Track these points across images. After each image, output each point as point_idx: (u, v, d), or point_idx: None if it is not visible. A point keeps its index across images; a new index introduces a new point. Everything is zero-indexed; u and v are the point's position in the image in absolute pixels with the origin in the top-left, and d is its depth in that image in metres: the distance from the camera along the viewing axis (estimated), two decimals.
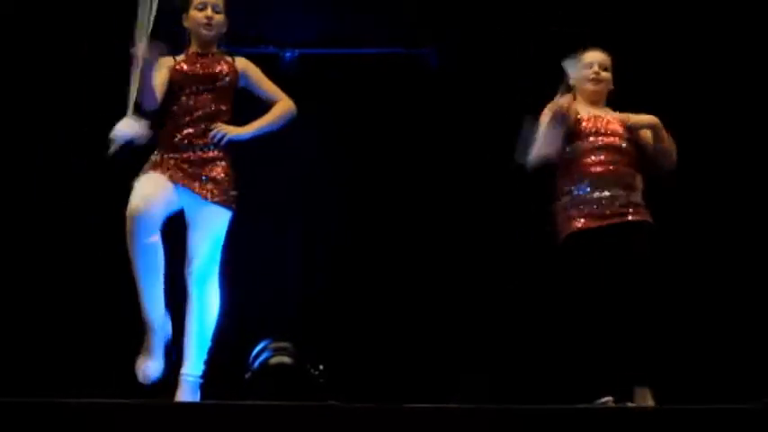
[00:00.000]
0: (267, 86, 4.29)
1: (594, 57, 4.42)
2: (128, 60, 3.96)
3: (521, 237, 5.80)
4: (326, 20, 6.13)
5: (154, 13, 3.94)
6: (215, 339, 4.37)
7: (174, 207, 4.08)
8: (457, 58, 6.12)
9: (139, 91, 3.91)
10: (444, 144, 6.14)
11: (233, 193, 4.17)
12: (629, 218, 4.21)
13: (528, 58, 5.92)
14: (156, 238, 3.95)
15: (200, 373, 4.22)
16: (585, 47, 4.49)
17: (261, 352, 4.66)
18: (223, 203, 4.13)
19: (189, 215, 4.15)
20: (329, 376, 4.56)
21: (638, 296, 4.08)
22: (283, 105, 4.25)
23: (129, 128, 3.92)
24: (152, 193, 3.93)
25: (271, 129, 4.24)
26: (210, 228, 4.11)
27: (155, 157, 4.11)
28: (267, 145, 4.52)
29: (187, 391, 4.19)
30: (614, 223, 4.18)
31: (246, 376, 4.67)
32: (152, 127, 4.07)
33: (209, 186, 4.07)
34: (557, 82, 4.38)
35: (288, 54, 6.18)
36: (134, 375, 4.31)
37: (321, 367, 4.56)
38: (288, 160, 6.13)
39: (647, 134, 4.40)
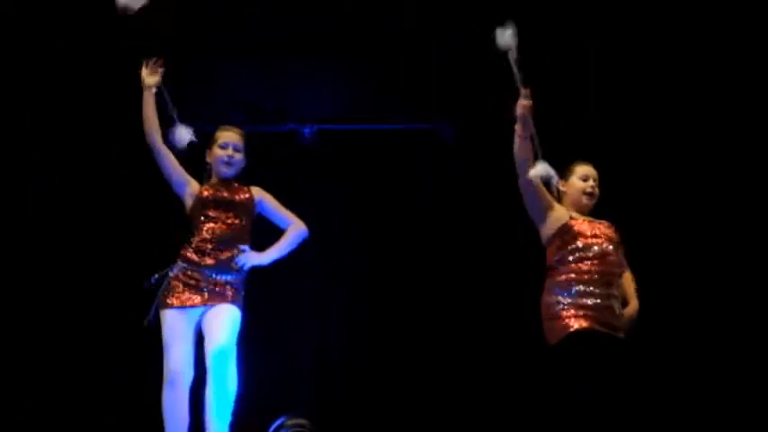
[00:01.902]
0: (281, 212, 4.67)
1: (589, 171, 4.51)
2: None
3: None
4: (343, 95, 6.22)
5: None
6: (234, 415, 4.43)
7: (196, 329, 4.43)
8: (472, 133, 6.17)
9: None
10: (459, 217, 6.17)
11: (240, 296, 4.51)
12: (620, 334, 4.23)
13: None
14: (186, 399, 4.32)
15: None
16: (577, 159, 4.57)
17: (278, 429, 4.65)
18: (234, 303, 4.48)
19: (207, 314, 4.46)
20: None
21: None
22: (297, 229, 4.63)
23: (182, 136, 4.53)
24: (181, 351, 4.33)
25: (288, 252, 4.63)
26: (225, 316, 4.41)
27: (174, 275, 4.44)
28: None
29: None
30: (608, 333, 4.19)
31: None
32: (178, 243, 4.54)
33: (216, 298, 4.43)
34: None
35: (307, 130, 6.27)
36: None
37: None
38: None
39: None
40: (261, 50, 5.97)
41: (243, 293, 4.53)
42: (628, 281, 4.47)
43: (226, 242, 4.48)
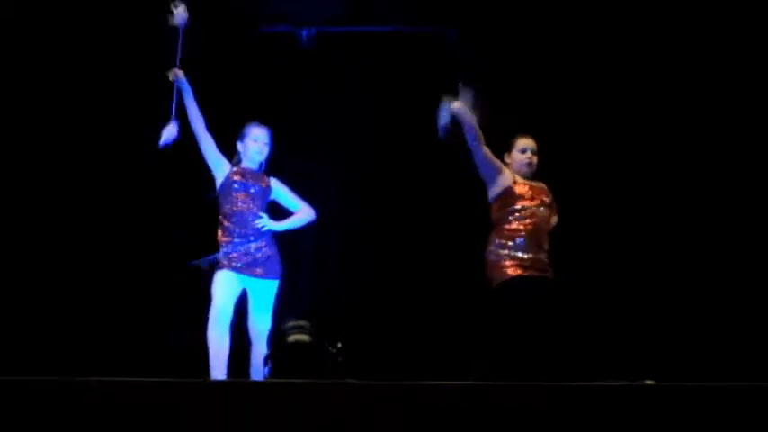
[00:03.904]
0: (292, 199, 5.48)
1: (527, 143, 5.17)
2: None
3: None
4: None
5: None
6: None
7: (239, 291, 5.29)
8: (476, 37, 6.12)
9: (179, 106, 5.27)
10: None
11: (277, 265, 5.35)
12: (543, 275, 5.02)
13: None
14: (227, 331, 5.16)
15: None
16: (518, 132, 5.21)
17: (280, 330, 4.70)
18: (272, 277, 5.33)
19: (249, 290, 5.32)
20: (347, 354, 4.59)
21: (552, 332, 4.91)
22: (306, 211, 5.48)
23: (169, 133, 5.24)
24: (224, 293, 5.20)
25: (296, 227, 5.48)
26: (266, 299, 5.30)
27: (222, 251, 5.30)
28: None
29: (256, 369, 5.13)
30: (538, 277, 5.00)
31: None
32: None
33: (260, 269, 5.29)
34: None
35: (305, 32, 6.19)
36: None
37: (339, 345, 4.59)
38: (303, 143, 6.18)
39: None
40: None
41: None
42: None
43: (246, 219, 5.31)
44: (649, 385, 4.22)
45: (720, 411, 3.82)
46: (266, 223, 5.30)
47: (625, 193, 6.23)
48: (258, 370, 5.01)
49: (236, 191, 5.31)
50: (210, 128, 5.28)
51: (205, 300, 5.17)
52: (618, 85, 6.25)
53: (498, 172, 5.07)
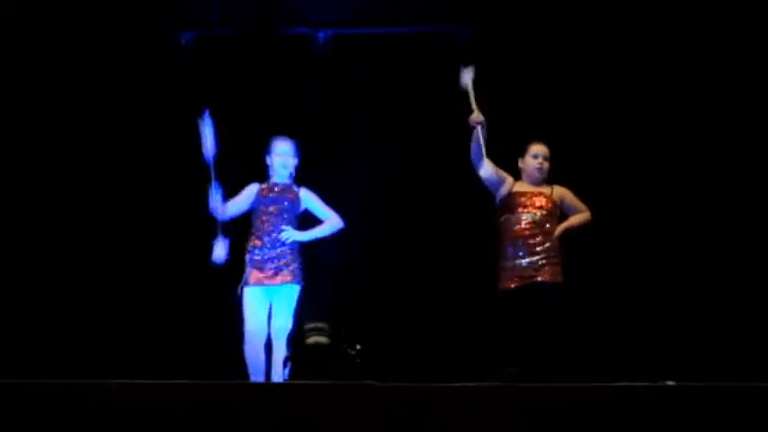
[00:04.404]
0: (322, 208, 5.58)
1: (539, 149, 5.33)
2: None
3: None
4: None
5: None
6: None
7: (268, 305, 5.45)
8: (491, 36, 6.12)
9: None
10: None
11: (300, 270, 5.48)
12: (539, 278, 5.18)
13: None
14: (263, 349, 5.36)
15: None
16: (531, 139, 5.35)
17: (299, 332, 4.70)
18: (295, 282, 5.47)
19: (274, 295, 5.47)
20: (366, 356, 4.59)
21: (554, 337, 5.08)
22: (334, 221, 5.57)
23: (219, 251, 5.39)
24: (256, 314, 5.39)
25: (322, 236, 5.57)
26: (288, 301, 5.42)
27: (247, 261, 5.48)
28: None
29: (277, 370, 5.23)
30: (529, 284, 5.17)
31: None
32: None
33: (283, 276, 5.44)
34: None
35: (321, 35, 6.20)
36: None
37: (358, 347, 4.59)
38: (322, 146, 6.19)
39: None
40: None
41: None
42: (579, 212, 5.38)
43: (273, 232, 5.46)
44: (670, 386, 4.21)
45: (742, 412, 3.80)
46: (290, 235, 5.44)
47: (641, 191, 6.24)
48: (278, 371, 5.11)
49: (266, 205, 5.49)
50: (229, 134, 5.40)
51: (207, 301, 5.37)
52: (629, 88, 6.24)
53: (500, 184, 5.28)
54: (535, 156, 5.31)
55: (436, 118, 6.15)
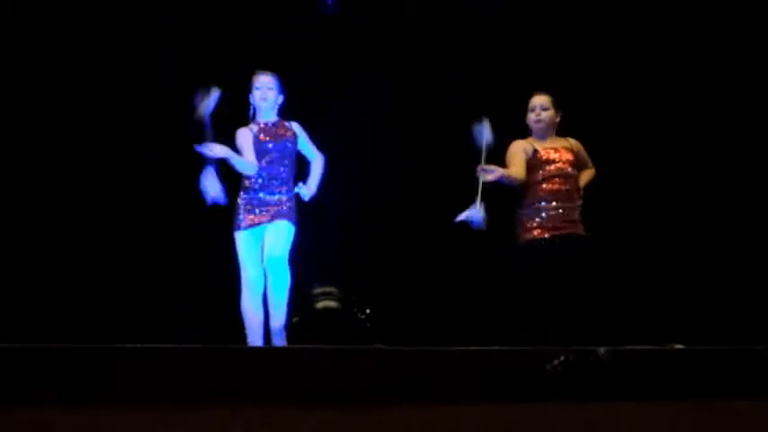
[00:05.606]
0: (310, 147, 5.37)
1: (535, 101, 5.23)
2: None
3: None
4: None
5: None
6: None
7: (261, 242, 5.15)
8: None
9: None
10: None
11: (294, 213, 5.21)
12: (569, 231, 5.10)
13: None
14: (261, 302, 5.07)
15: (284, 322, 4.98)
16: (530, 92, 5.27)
17: (308, 296, 4.72)
18: (289, 221, 5.19)
19: (266, 232, 5.17)
20: (375, 320, 4.60)
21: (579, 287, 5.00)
22: (321, 161, 5.34)
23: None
24: (252, 260, 5.11)
25: (320, 180, 5.33)
26: (281, 233, 5.13)
27: (240, 203, 5.21)
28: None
29: (277, 336, 4.95)
30: (560, 234, 5.08)
31: (294, 320, 4.73)
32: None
33: (279, 217, 5.14)
34: None
35: None
36: None
37: (367, 311, 4.60)
38: (326, 107, 6.17)
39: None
40: None
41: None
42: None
43: (273, 173, 5.20)
44: (678, 349, 4.22)
45: (748, 374, 3.82)
46: (307, 193, 5.21)
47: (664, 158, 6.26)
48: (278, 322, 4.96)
49: (268, 152, 5.19)
50: (231, 97, 5.24)
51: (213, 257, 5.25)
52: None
53: (522, 163, 5.13)
54: (532, 109, 5.23)
55: (444, 81, 6.14)
